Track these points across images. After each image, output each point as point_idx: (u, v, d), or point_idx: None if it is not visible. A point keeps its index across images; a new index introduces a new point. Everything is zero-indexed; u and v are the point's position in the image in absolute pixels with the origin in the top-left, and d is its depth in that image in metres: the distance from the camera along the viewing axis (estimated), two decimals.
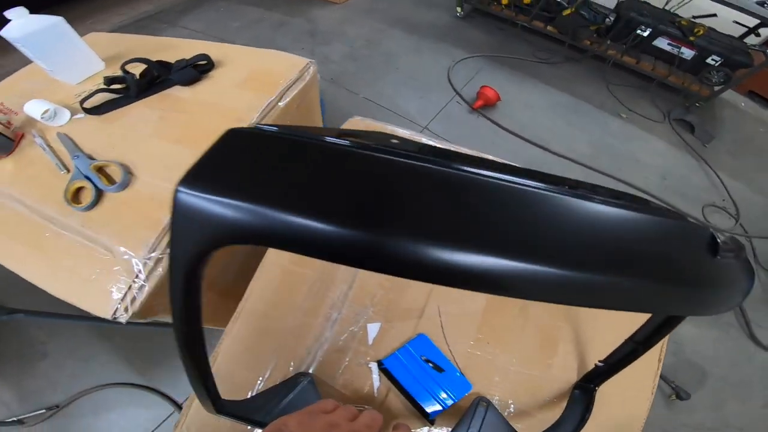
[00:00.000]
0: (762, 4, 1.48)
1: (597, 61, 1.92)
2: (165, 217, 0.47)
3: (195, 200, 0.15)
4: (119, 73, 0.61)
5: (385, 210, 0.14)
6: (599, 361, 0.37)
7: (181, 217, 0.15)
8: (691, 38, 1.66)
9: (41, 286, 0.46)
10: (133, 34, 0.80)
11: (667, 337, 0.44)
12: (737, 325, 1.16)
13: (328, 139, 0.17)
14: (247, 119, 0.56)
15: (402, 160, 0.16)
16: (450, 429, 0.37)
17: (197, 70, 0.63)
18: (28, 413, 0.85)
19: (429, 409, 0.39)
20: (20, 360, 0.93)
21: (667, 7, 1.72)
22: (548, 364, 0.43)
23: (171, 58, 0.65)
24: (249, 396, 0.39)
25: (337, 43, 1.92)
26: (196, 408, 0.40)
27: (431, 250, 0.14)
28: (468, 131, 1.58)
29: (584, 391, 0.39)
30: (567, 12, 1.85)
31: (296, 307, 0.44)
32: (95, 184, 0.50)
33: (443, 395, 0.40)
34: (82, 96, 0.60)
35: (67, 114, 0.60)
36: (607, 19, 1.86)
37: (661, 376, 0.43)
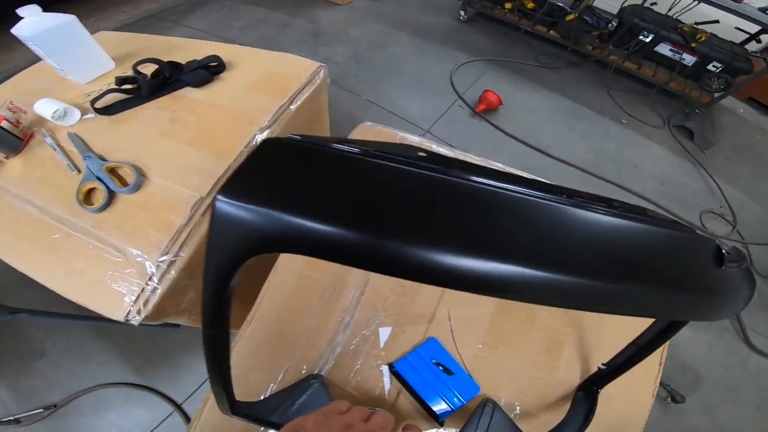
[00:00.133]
0: (765, 11, 1.50)
1: (599, 66, 1.94)
2: (178, 220, 0.47)
3: (233, 209, 0.15)
4: (130, 73, 0.62)
5: (415, 222, 0.15)
6: (602, 364, 0.38)
7: (219, 225, 0.16)
8: (693, 44, 1.68)
9: (52, 288, 0.46)
10: (136, 32, 0.80)
11: (668, 342, 0.45)
12: (732, 329, 1.18)
13: (355, 150, 0.18)
14: (259, 122, 0.56)
15: (434, 174, 0.16)
16: (458, 430, 0.38)
17: (208, 71, 0.63)
18: (24, 413, 0.85)
19: (438, 411, 0.40)
20: (18, 359, 0.93)
21: (670, 13, 1.74)
22: (554, 367, 0.44)
23: (181, 58, 0.66)
24: (262, 398, 0.40)
25: (341, 45, 1.92)
26: (209, 410, 0.40)
27: (467, 261, 0.14)
28: (470, 135, 1.59)
29: (587, 393, 0.40)
30: (570, 17, 1.87)
31: (309, 310, 0.44)
32: (107, 185, 0.50)
33: (452, 397, 0.41)
34: (93, 96, 0.60)
35: (77, 114, 0.59)
36: (610, 25, 1.88)
37: None
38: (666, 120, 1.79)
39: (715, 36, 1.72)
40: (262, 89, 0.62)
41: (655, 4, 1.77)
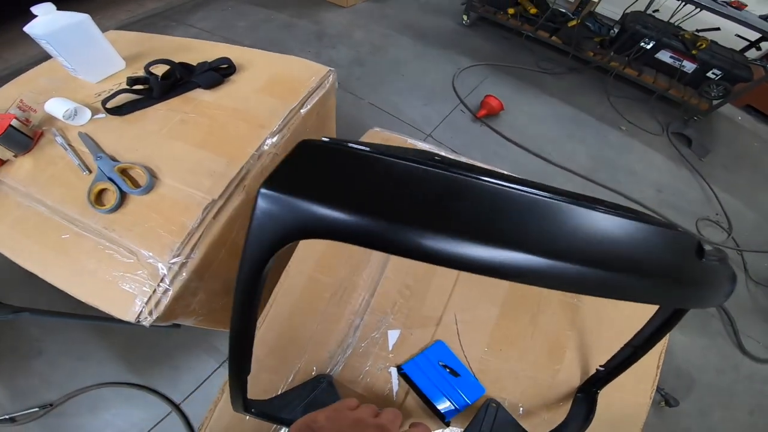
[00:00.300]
0: (766, 18, 1.51)
1: (599, 72, 1.96)
2: (189, 222, 0.48)
3: (274, 200, 0.17)
4: (141, 73, 0.62)
5: (436, 213, 0.17)
6: (600, 366, 0.39)
7: (261, 213, 0.18)
8: (694, 51, 1.69)
9: (63, 288, 0.46)
10: (140, 31, 0.80)
11: (665, 346, 0.47)
12: (726, 334, 1.20)
13: (379, 151, 0.20)
14: (270, 126, 0.57)
15: (453, 174, 0.18)
16: (464, 428, 0.39)
17: (219, 73, 0.64)
18: (20, 411, 0.84)
19: (444, 411, 0.41)
20: (14, 357, 0.92)
21: (672, 20, 1.74)
22: (556, 369, 0.45)
23: (191, 59, 0.66)
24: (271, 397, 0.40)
25: (344, 47, 1.93)
26: (219, 411, 0.41)
27: (481, 248, 0.16)
28: (471, 140, 1.60)
29: (587, 395, 0.42)
30: (572, 23, 1.89)
31: (319, 313, 0.45)
32: (119, 186, 0.50)
33: (458, 398, 0.42)
34: (104, 95, 0.60)
35: (88, 113, 0.60)
36: (612, 31, 1.90)
37: None
38: (665, 127, 1.82)
39: (716, 43, 1.74)
40: (273, 92, 0.62)
41: (657, 11, 1.79)
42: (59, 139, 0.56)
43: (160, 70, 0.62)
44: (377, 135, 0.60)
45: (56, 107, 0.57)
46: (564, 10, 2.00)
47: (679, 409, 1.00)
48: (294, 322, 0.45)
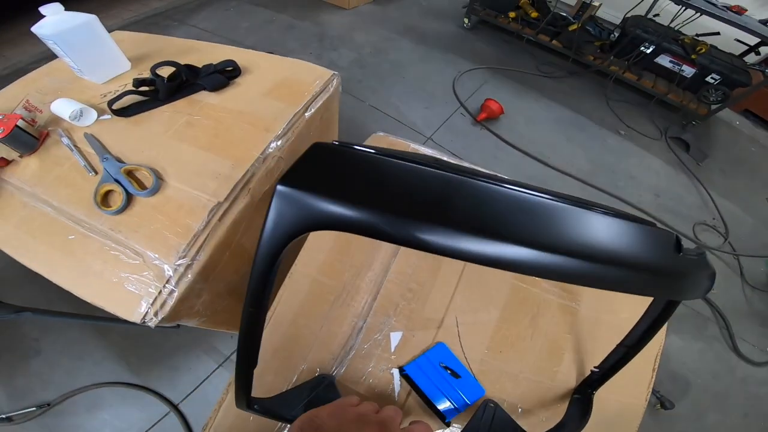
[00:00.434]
0: (766, 23, 1.53)
1: (599, 76, 1.98)
2: (195, 224, 0.48)
3: (290, 194, 0.19)
4: (147, 74, 0.62)
5: (439, 209, 0.19)
6: (594, 367, 0.40)
7: (278, 206, 0.20)
8: (693, 56, 1.70)
9: (68, 289, 0.46)
10: (142, 31, 0.80)
11: (661, 349, 0.48)
12: (721, 338, 1.21)
13: (386, 154, 0.22)
14: (275, 129, 0.57)
15: (455, 175, 0.20)
16: (462, 427, 0.40)
17: (224, 76, 0.65)
18: (17, 411, 0.84)
19: (445, 411, 0.42)
20: (12, 357, 0.92)
21: (672, 25, 1.76)
22: (554, 371, 0.46)
23: (197, 61, 0.67)
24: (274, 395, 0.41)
25: (345, 49, 1.94)
26: (224, 411, 0.41)
27: (480, 241, 0.18)
28: (471, 143, 1.61)
29: (583, 396, 0.43)
30: (573, 27, 1.90)
31: (323, 315, 0.46)
32: (125, 188, 0.51)
33: (459, 399, 0.43)
34: (109, 96, 0.61)
35: (94, 114, 0.60)
36: (612, 35, 1.91)
37: None
38: (663, 131, 1.83)
39: (715, 48, 1.76)
40: (278, 96, 0.63)
41: (657, 15, 1.80)
42: (65, 140, 0.57)
43: (165, 71, 0.63)
44: (381, 139, 0.61)
45: (63, 108, 0.57)
46: (565, 14, 2.01)
47: (675, 412, 1.01)
48: (298, 324, 0.45)
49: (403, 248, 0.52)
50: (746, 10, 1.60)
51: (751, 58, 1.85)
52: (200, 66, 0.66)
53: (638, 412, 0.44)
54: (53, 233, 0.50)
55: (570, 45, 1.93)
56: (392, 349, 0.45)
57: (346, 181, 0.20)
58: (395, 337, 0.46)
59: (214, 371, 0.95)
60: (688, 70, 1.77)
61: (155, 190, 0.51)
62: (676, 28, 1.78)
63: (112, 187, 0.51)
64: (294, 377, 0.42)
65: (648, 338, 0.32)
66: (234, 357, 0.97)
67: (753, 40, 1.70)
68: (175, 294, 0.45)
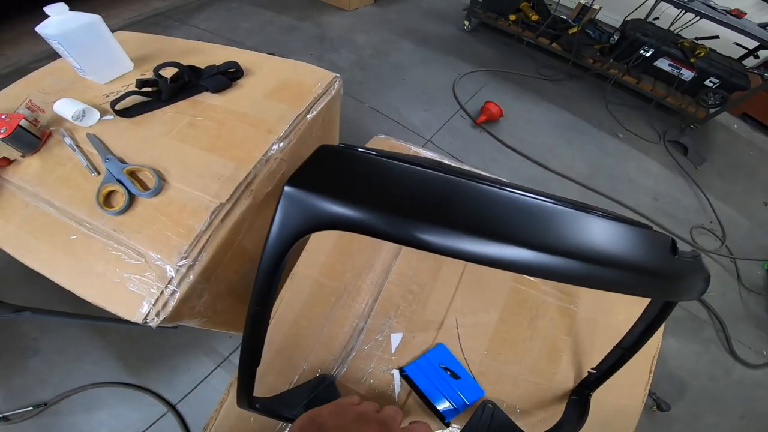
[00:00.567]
0: (765, 27, 1.53)
1: (598, 79, 1.99)
2: (197, 225, 0.49)
3: (297, 195, 0.20)
4: (150, 75, 0.63)
5: (439, 210, 0.19)
6: (592, 369, 0.41)
7: (286, 207, 0.20)
8: (692, 59, 1.72)
9: (69, 289, 0.46)
10: (143, 31, 0.80)
11: (657, 351, 0.49)
12: (718, 340, 1.22)
13: (388, 157, 0.22)
14: (277, 131, 0.58)
15: (455, 178, 0.21)
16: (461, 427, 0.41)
17: (227, 77, 0.65)
18: (13, 410, 0.84)
19: (444, 411, 0.42)
20: (9, 356, 0.92)
21: (671, 28, 1.77)
22: (553, 373, 0.47)
23: (199, 62, 0.67)
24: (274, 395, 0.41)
25: (346, 51, 1.94)
26: (225, 411, 0.41)
27: (477, 242, 0.18)
28: (471, 146, 1.62)
29: (580, 397, 0.43)
30: (573, 30, 1.91)
31: (324, 316, 0.46)
32: (128, 188, 0.51)
33: (458, 399, 0.43)
34: (112, 97, 0.61)
35: (96, 114, 0.60)
36: (612, 38, 1.93)
37: None
38: (662, 135, 1.85)
39: (714, 51, 1.77)
40: (280, 97, 0.63)
41: (657, 19, 1.81)
42: (68, 140, 0.57)
43: (168, 72, 0.63)
44: (383, 142, 0.61)
45: (65, 108, 0.58)
46: (565, 17, 2.03)
47: (671, 414, 1.02)
48: (299, 324, 0.46)
49: (403, 250, 0.52)
50: (746, 14, 1.61)
51: (749, 62, 1.86)
52: (203, 67, 0.66)
53: (635, 414, 0.45)
54: (55, 233, 0.50)
55: (570, 48, 1.94)
56: (393, 350, 0.45)
57: (352, 183, 0.20)
58: (396, 338, 0.46)
59: (212, 372, 0.95)
60: (687, 74, 1.78)
61: (158, 191, 0.51)
62: (675, 32, 1.80)
63: (114, 187, 0.51)
64: (295, 377, 0.43)
65: (645, 340, 0.33)
66: (233, 358, 0.98)
67: (752, 44, 1.71)
68: (177, 294, 0.45)
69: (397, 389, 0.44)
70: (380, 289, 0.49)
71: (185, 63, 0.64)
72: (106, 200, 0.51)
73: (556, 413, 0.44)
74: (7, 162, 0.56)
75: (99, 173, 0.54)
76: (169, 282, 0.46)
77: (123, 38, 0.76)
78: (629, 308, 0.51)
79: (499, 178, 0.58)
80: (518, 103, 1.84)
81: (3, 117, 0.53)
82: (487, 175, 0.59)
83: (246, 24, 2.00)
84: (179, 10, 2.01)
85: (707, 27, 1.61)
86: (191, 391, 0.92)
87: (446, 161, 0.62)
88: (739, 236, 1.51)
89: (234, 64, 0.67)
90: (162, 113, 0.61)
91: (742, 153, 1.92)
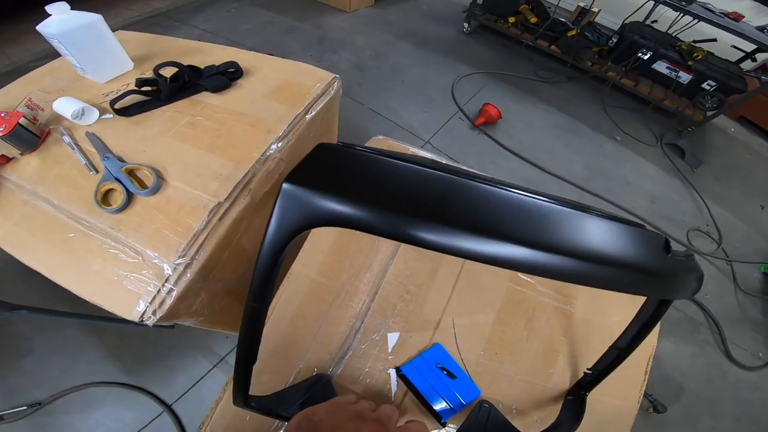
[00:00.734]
0: (762, 30, 1.54)
1: (597, 82, 2.00)
2: (195, 224, 0.49)
3: (295, 192, 0.20)
4: (149, 74, 0.63)
5: (437, 208, 0.19)
6: (588, 369, 0.41)
7: (285, 203, 0.20)
8: (690, 62, 1.72)
9: (67, 287, 0.46)
10: (143, 30, 0.80)
11: (653, 352, 0.49)
12: (714, 342, 1.22)
13: (386, 155, 0.23)
14: (276, 131, 0.58)
15: (453, 176, 0.21)
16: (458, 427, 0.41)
17: (226, 77, 0.65)
18: (7, 410, 0.83)
19: (440, 411, 0.43)
20: (3, 355, 0.91)
21: (670, 31, 1.77)
22: (549, 373, 0.47)
23: (199, 62, 0.67)
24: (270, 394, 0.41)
25: (345, 52, 1.95)
26: (221, 410, 0.42)
27: (475, 240, 0.19)
28: (469, 147, 1.63)
29: (576, 397, 0.43)
30: (572, 33, 1.92)
31: (321, 315, 0.46)
32: (126, 187, 0.51)
33: (454, 399, 0.43)
34: (111, 96, 0.61)
35: (95, 113, 0.60)
36: (610, 41, 1.94)
37: None
38: (659, 138, 1.86)
39: (712, 54, 1.77)
40: (279, 98, 0.64)
41: (655, 21, 1.82)
42: (66, 139, 0.57)
43: (168, 72, 0.63)
44: (381, 143, 0.62)
45: (65, 107, 0.58)
46: (564, 20, 2.04)
47: (667, 416, 1.02)
48: (296, 323, 0.46)
49: (401, 250, 0.52)
50: (743, 17, 1.62)
51: (747, 65, 1.87)
52: (203, 67, 0.67)
53: (630, 414, 0.45)
54: (53, 231, 0.50)
55: (568, 50, 1.95)
56: (389, 350, 0.46)
57: (349, 180, 0.20)
58: (392, 338, 0.46)
59: (208, 372, 0.95)
60: (685, 77, 1.79)
61: (156, 190, 0.52)
62: (673, 35, 1.81)
63: (112, 186, 0.52)
64: (291, 376, 0.43)
65: (640, 340, 0.33)
66: (229, 358, 0.97)
67: (750, 47, 1.71)
68: (174, 293, 0.46)
69: (394, 389, 0.44)
70: (377, 289, 0.49)
71: (185, 63, 0.64)
72: (105, 198, 0.51)
73: (553, 413, 0.44)
74: (6, 160, 0.56)
75: (97, 172, 0.54)
76: (167, 280, 0.46)
77: (123, 38, 0.76)
78: (625, 309, 0.51)
79: (496, 178, 0.58)
80: (517, 105, 1.85)
81: (2, 115, 0.53)
82: (483, 174, 0.59)
83: (246, 24, 2.01)
84: (179, 10, 2.01)
85: (705, 30, 1.62)
86: (187, 391, 0.92)
87: (443, 161, 0.63)
88: (735, 239, 1.51)
89: (234, 64, 0.67)
90: (161, 112, 0.61)
91: (739, 156, 1.94)
